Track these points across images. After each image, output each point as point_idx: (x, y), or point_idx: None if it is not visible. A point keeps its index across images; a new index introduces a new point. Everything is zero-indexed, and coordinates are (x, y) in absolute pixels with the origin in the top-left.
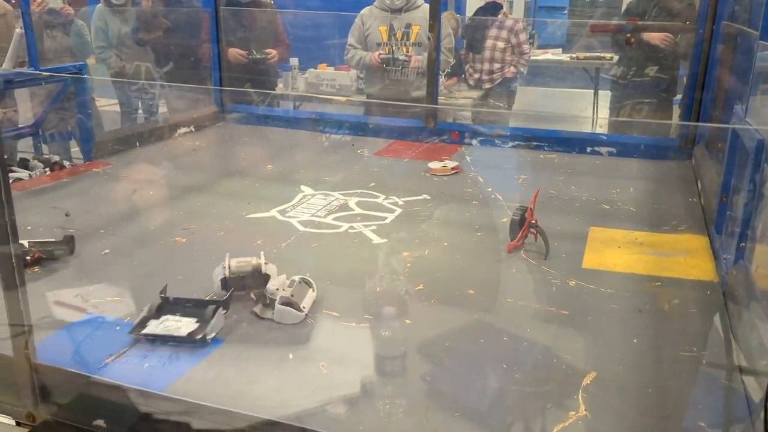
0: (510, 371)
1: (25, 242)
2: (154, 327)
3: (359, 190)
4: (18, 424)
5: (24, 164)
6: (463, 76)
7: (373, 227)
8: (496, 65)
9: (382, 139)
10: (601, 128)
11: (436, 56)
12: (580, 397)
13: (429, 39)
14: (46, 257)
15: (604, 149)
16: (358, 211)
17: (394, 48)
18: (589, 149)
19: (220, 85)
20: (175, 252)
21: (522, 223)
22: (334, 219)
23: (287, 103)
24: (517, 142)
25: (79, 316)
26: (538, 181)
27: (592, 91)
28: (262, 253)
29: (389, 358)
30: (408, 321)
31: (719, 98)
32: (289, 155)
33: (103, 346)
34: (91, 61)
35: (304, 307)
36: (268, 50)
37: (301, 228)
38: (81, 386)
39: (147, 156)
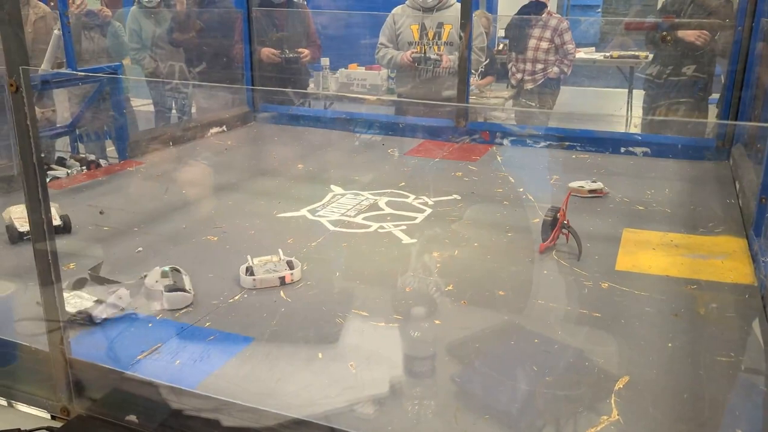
0: (541, 374)
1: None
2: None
3: (389, 190)
4: (53, 417)
5: (61, 163)
6: (494, 74)
7: (403, 227)
8: (539, 65)
9: (412, 139)
10: (636, 128)
11: (468, 55)
12: (612, 401)
13: (461, 38)
14: None
15: (638, 149)
16: (387, 210)
17: (425, 47)
18: (623, 149)
19: (252, 85)
20: (206, 250)
21: (554, 224)
22: (364, 219)
23: (318, 103)
24: (549, 142)
25: (113, 312)
26: (570, 181)
27: (626, 90)
28: (280, 250)
29: (418, 358)
30: (437, 321)
31: (759, 97)
32: (320, 155)
33: (136, 342)
34: (127, 61)
35: (189, 289)
36: (300, 49)
37: (330, 227)
38: (114, 382)
39: (180, 155)
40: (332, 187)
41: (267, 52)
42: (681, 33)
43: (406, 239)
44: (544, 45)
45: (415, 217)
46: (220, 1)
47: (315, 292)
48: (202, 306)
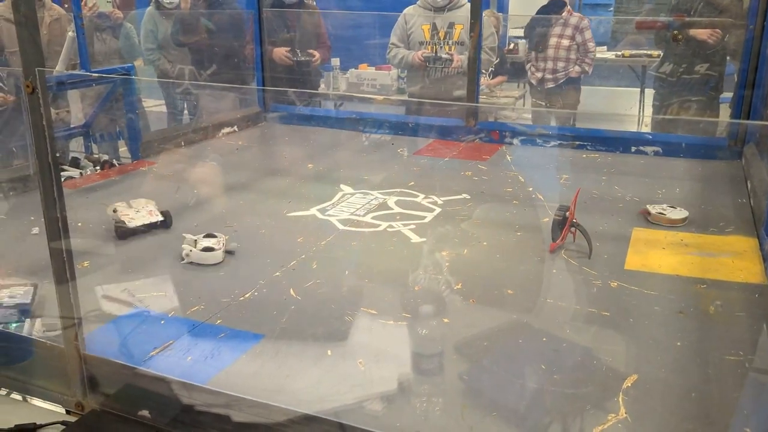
0: (549, 372)
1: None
2: None
3: (398, 189)
4: (68, 412)
5: (75, 163)
6: (505, 74)
7: (412, 226)
8: (560, 64)
9: (422, 139)
10: (647, 127)
11: (477, 55)
12: (620, 399)
13: (471, 37)
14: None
15: (649, 149)
16: (397, 210)
17: (436, 47)
18: (633, 149)
19: (263, 86)
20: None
21: (563, 224)
22: (373, 218)
23: (328, 103)
24: (559, 142)
25: (126, 309)
26: (580, 181)
27: (638, 89)
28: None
29: (427, 356)
30: (446, 320)
31: None
32: (330, 154)
33: (149, 339)
34: (138, 63)
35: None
36: (311, 51)
37: (340, 226)
38: (127, 377)
39: (191, 155)
40: (342, 186)
41: (279, 54)
42: (693, 31)
43: (415, 238)
44: (565, 43)
45: (425, 217)
46: (226, 2)
47: (324, 290)
48: (213, 304)
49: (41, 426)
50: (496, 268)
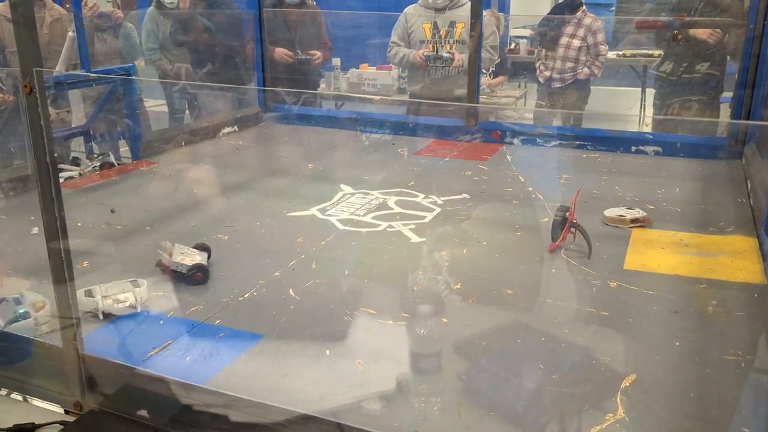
0: (547, 372)
1: None
2: None
3: (398, 189)
4: (66, 412)
5: (75, 163)
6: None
7: (412, 226)
8: (569, 64)
9: (422, 138)
10: (647, 127)
11: (477, 55)
12: (618, 399)
13: (471, 36)
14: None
15: (649, 148)
16: (397, 210)
17: (437, 46)
18: (634, 148)
19: (263, 86)
20: (217, 248)
21: (563, 224)
22: (373, 218)
23: (329, 103)
24: (559, 142)
25: (125, 309)
26: (580, 180)
27: (638, 89)
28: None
29: (425, 356)
30: (445, 320)
31: None
32: (330, 154)
33: (147, 339)
34: (139, 63)
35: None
36: (312, 51)
37: (340, 226)
38: (126, 377)
39: (192, 155)
40: (342, 186)
41: (281, 53)
42: (693, 31)
43: (414, 238)
44: (576, 43)
45: (424, 216)
46: (224, 2)
47: (324, 290)
48: (213, 303)
49: (40, 426)
50: (496, 268)
